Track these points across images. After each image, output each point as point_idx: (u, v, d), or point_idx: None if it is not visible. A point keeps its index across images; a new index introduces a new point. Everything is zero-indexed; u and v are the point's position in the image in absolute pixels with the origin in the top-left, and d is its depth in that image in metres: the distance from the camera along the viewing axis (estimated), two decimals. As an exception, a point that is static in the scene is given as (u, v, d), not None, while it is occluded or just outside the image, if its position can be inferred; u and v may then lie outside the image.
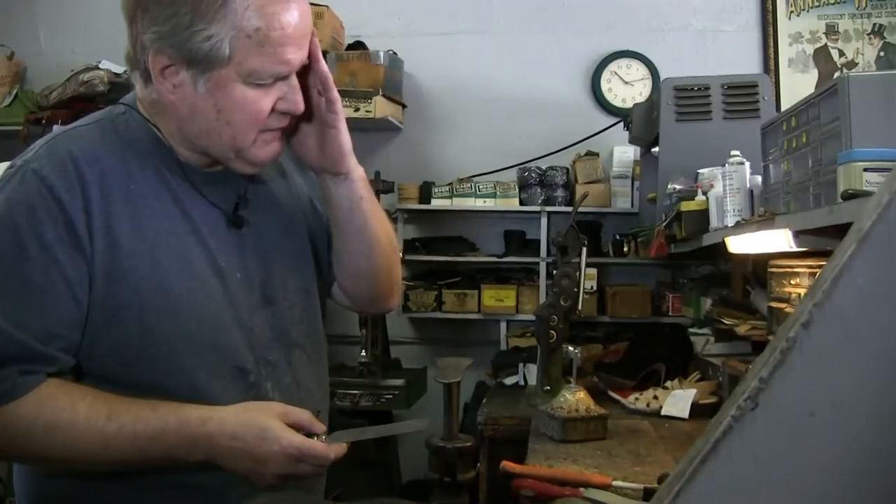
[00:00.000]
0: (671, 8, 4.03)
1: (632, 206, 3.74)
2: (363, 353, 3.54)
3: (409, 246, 3.89)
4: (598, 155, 3.85)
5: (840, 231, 1.43)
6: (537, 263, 3.80)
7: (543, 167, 3.86)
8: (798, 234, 1.65)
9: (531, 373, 3.21)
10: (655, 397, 2.57)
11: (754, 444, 0.56)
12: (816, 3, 3.89)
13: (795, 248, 1.71)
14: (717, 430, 0.57)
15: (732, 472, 0.57)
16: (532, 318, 3.09)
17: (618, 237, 3.72)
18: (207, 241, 1.30)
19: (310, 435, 1.24)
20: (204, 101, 1.22)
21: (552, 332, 2.54)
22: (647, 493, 1.60)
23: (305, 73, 1.29)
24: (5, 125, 3.96)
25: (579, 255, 2.66)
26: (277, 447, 1.20)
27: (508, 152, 4.01)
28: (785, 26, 3.91)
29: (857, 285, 0.55)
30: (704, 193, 2.42)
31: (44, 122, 3.76)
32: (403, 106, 4.08)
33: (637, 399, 2.60)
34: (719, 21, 4.00)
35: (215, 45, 1.17)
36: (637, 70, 4.03)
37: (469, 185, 3.84)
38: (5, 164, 1.28)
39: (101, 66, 3.82)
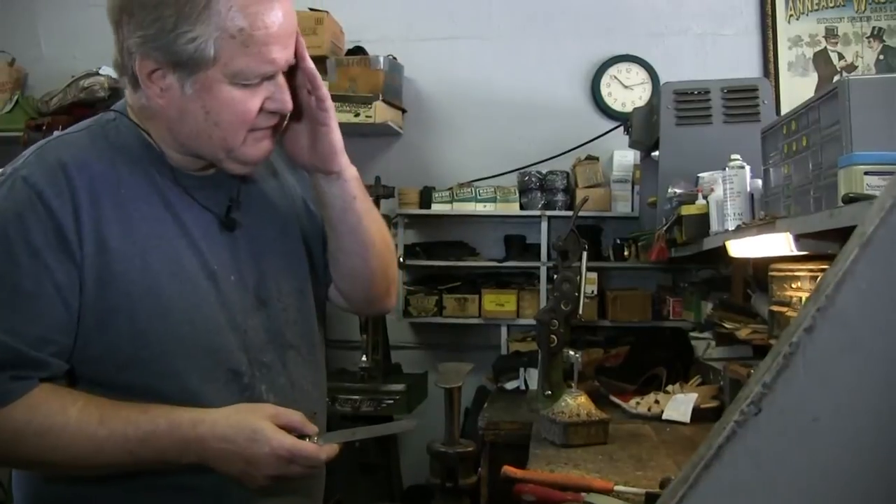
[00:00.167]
0: (671, 12, 4.03)
1: (632, 210, 3.73)
2: (364, 358, 3.54)
3: (409, 251, 3.88)
4: (598, 159, 3.84)
5: (841, 234, 1.43)
6: (538, 268, 3.80)
7: (544, 171, 3.86)
8: (799, 238, 1.65)
9: (532, 377, 3.21)
10: (656, 401, 2.57)
11: (758, 450, 0.56)
12: (816, 7, 3.89)
13: (796, 252, 1.71)
14: (721, 435, 0.57)
15: (736, 477, 0.57)
16: (533, 322, 3.09)
17: (618, 241, 3.72)
18: (199, 244, 1.31)
19: (302, 436, 1.25)
20: (192, 103, 1.23)
21: (553, 336, 2.53)
22: (649, 498, 1.59)
23: (294, 72, 1.30)
24: (6, 131, 3.97)
25: (580, 260, 2.65)
26: (268, 449, 1.20)
27: (508, 157, 4.01)
28: (784, 30, 3.92)
29: (861, 290, 0.55)
30: (705, 197, 2.42)
31: (44, 128, 3.76)
32: (403, 111, 4.09)
33: (638, 403, 2.60)
34: (719, 25, 4.00)
35: (200, 47, 1.18)
36: (637, 74, 4.03)
37: (469, 189, 3.84)
38: None
39: (101, 72, 3.83)
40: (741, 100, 2.91)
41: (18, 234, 1.20)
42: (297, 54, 1.28)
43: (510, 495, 1.73)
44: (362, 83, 3.76)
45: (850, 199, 1.34)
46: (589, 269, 2.77)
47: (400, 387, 3.45)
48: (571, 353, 2.53)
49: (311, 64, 1.31)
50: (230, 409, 1.24)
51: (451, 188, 3.86)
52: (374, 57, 3.82)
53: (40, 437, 1.19)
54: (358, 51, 3.96)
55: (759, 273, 2.49)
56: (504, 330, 3.85)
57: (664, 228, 2.70)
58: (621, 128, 3.67)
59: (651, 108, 3.26)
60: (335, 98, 3.83)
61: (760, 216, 2.05)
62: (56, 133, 1.38)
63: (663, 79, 3.73)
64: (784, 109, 3.29)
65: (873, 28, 3.86)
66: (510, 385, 3.34)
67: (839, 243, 1.53)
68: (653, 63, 4.01)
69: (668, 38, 4.02)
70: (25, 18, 4.41)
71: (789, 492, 0.56)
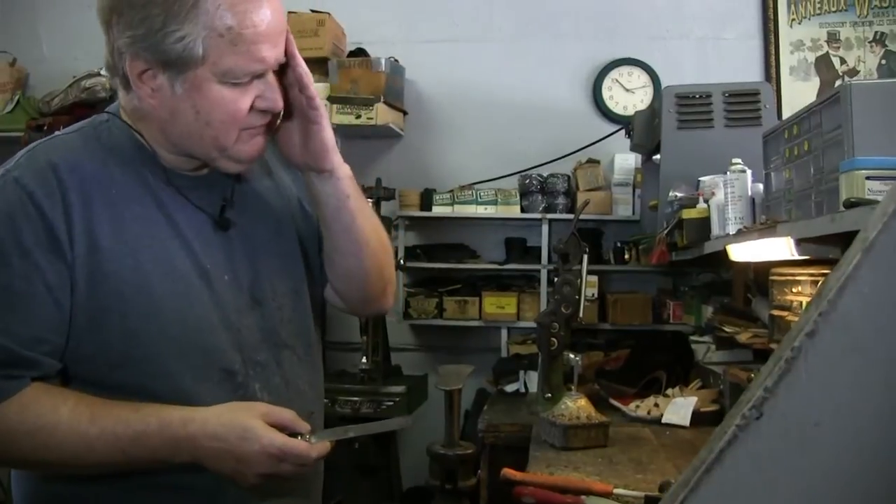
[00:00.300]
0: (672, 15, 4.03)
1: (633, 213, 3.74)
2: (364, 360, 3.54)
3: (410, 253, 3.88)
4: (599, 162, 3.85)
5: (842, 239, 1.43)
6: (538, 271, 3.80)
7: (544, 174, 3.86)
8: (800, 242, 1.65)
9: (532, 380, 3.21)
10: (656, 405, 2.56)
11: (759, 453, 0.56)
12: (818, 11, 3.89)
13: (797, 256, 1.71)
14: (722, 439, 0.57)
15: (737, 481, 0.57)
16: (533, 325, 3.09)
17: (619, 245, 3.72)
18: (192, 244, 1.31)
19: (294, 434, 1.25)
20: (182, 102, 1.23)
21: (553, 339, 2.53)
22: (649, 501, 1.59)
23: (285, 71, 1.30)
24: (7, 131, 3.97)
25: (580, 263, 2.65)
26: (258, 447, 1.20)
27: (509, 159, 4.01)
28: (786, 34, 3.92)
29: (863, 295, 0.55)
30: (706, 201, 2.42)
31: (45, 128, 3.77)
32: (405, 113, 4.09)
33: (638, 407, 2.60)
34: (720, 29, 4.00)
35: (188, 46, 1.18)
36: (638, 77, 4.03)
37: (470, 192, 3.85)
38: None
39: (102, 72, 3.83)
40: (743, 104, 2.91)
41: (9, 234, 1.20)
42: (287, 53, 1.28)
43: (510, 497, 1.73)
44: (364, 85, 3.76)
45: (851, 204, 1.34)
46: (589, 272, 2.77)
47: (400, 389, 3.46)
48: (571, 355, 2.53)
49: (301, 62, 1.30)
50: (221, 408, 1.24)
51: (451, 190, 3.87)
52: (375, 59, 3.83)
53: (32, 436, 1.19)
54: (359, 53, 3.97)
55: (760, 277, 2.48)
56: (504, 332, 3.86)
57: (665, 232, 2.70)
58: (622, 131, 3.68)
59: (652, 112, 3.26)
60: (336, 100, 3.87)
61: (761, 220, 2.05)
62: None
63: (665, 82, 3.73)
64: (786, 114, 3.30)
65: (875, 33, 3.86)
66: (510, 387, 3.33)
67: (840, 248, 1.53)
68: (654, 66, 4.01)
69: (670, 42, 4.02)
70: (27, 19, 4.41)
71: (790, 495, 0.56)
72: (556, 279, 2.73)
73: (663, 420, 2.46)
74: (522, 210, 3.82)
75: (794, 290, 2.01)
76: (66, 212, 1.22)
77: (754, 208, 2.18)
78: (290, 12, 3.90)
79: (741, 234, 2.08)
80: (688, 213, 2.49)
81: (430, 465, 2.27)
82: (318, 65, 3.86)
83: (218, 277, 1.33)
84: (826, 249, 1.61)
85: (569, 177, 3.86)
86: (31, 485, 1.34)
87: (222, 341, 1.31)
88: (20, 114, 4.10)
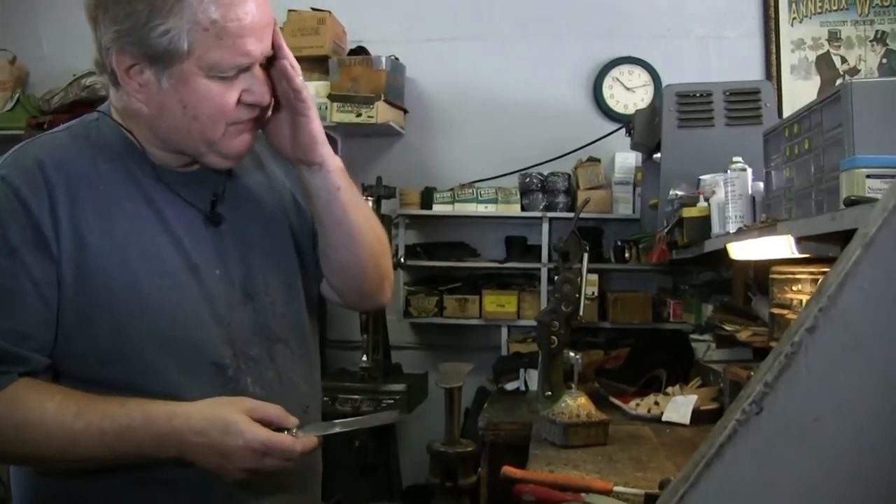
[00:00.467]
0: (673, 14, 4.03)
1: (633, 212, 3.74)
2: (364, 359, 3.54)
3: (410, 251, 3.89)
4: (599, 161, 3.85)
5: (842, 237, 1.43)
6: (538, 269, 3.81)
7: (545, 173, 3.86)
8: (800, 241, 1.65)
9: (532, 378, 3.21)
10: (656, 403, 2.57)
11: (759, 449, 0.56)
12: (819, 10, 3.89)
13: (797, 255, 1.71)
14: (722, 433, 0.57)
15: (737, 476, 0.57)
16: (533, 323, 3.09)
17: (619, 243, 3.72)
18: (182, 239, 1.31)
19: (281, 430, 1.24)
20: (169, 97, 1.24)
21: (553, 337, 2.53)
22: (649, 499, 1.60)
23: (273, 64, 1.30)
24: (7, 130, 3.97)
25: (581, 261, 2.65)
26: (242, 441, 1.20)
27: (510, 158, 4.01)
28: (787, 33, 3.92)
29: (863, 290, 0.55)
30: (706, 200, 2.42)
31: (45, 126, 3.76)
32: (405, 111, 4.09)
33: (638, 405, 2.60)
34: (721, 27, 4.00)
35: (173, 40, 1.18)
36: (639, 76, 4.03)
37: (470, 190, 3.85)
38: None
39: (102, 70, 3.82)
40: (743, 102, 2.91)
41: None
42: (274, 45, 1.28)
43: (510, 495, 1.73)
44: (364, 83, 3.76)
45: (851, 202, 1.34)
46: (590, 270, 2.77)
47: (400, 387, 3.46)
48: (572, 354, 2.54)
49: (287, 54, 1.30)
50: (206, 403, 1.24)
51: (452, 189, 3.87)
52: (376, 57, 3.83)
53: (19, 430, 1.20)
54: (360, 51, 3.97)
55: (760, 276, 2.49)
56: (504, 331, 3.86)
57: (665, 230, 2.71)
58: (623, 130, 3.67)
59: (653, 111, 3.26)
60: (337, 98, 3.87)
61: (762, 219, 2.05)
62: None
63: (665, 81, 3.73)
64: (786, 112, 3.29)
65: (876, 31, 3.86)
66: (510, 386, 3.34)
67: (840, 246, 1.53)
68: (655, 65, 4.01)
69: (671, 41, 4.02)
70: (27, 17, 4.41)
71: (790, 491, 0.56)
72: (556, 277, 2.73)
73: (663, 418, 2.46)
74: (523, 208, 3.82)
75: (794, 288, 2.01)
76: (52, 209, 1.23)
77: (755, 207, 2.18)
78: (290, 10, 3.91)
79: (741, 233, 2.08)
80: (688, 212, 2.49)
81: (430, 463, 2.27)
82: (319, 63, 3.86)
83: (209, 272, 1.33)
84: (826, 248, 1.61)
85: (569, 175, 3.86)
86: (28, 480, 1.35)
87: (212, 336, 1.31)
88: (20, 112, 4.11)
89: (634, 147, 3.53)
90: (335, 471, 3.13)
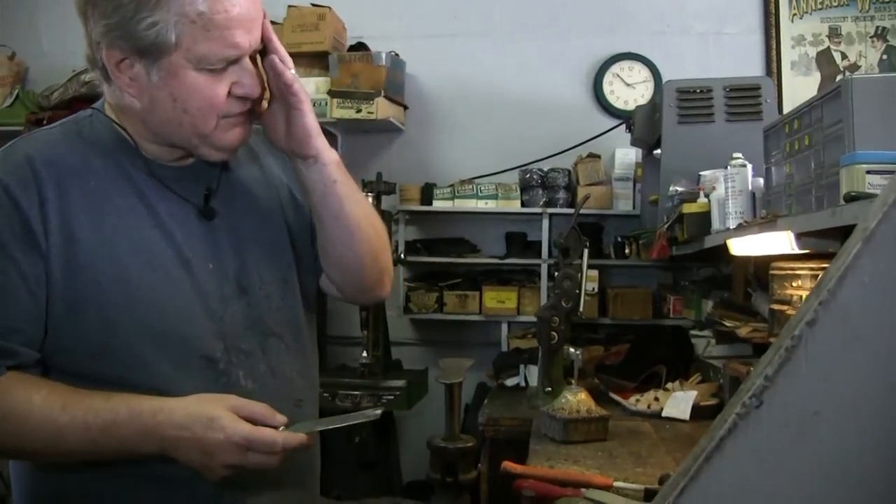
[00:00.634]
0: (673, 10, 4.02)
1: (633, 207, 3.74)
2: (364, 355, 3.54)
3: (410, 247, 3.89)
4: (599, 157, 3.84)
5: (842, 233, 1.44)
6: (539, 265, 3.80)
7: (545, 169, 3.85)
8: (800, 237, 1.65)
9: (532, 374, 3.21)
10: (656, 399, 2.57)
11: (759, 442, 0.56)
12: (819, 6, 3.89)
13: (797, 251, 1.71)
14: (722, 427, 0.57)
15: (737, 469, 0.57)
16: (533, 319, 3.09)
17: (619, 239, 3.72)
18: (174, 233, 1.32)
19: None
20: (159, 91, 1.24)
21: (553, 333, 2.54)
22: (648, 494, 1.60)
23: (265, 56, 1.30)
24: (6, 125, 3.96)
25: (581, 257, 2.66)
26: (223, 436, 1.19)
27: (510, 154, 4.01)
28: (787, 29, 3.91)
29: (863, 284, 0.56)
30: (706, 196, 2.42)
31: (45, 122, 3.75)
32: (405, 107, 4.08)
33: (638, 401, 2.60)
34: (721, 23, 4.00)
35: (161, 32, 1.19)
36: (639, 72, 4.03)
37: (470, 186, 3.84)
38: None
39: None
40: (743, 98, 2.91)
41: None
42: (263, 38, 1.28)
43: (510, 491, 1.73)
44: (364, 79, 3.76)
45: (851, 198, 1.34)
46: (590, 266, 2.78)
47: (400, 383, 3.46)
48: (572, 350, 2.54)
49: (277, 47, 1.30)
50: (192, 399, 1.24)
51: (452, 185, 3.86)
52: (376, 53, 3.82)
53: (5, 422, 1.21)
54: (360, 47, 3.96)
55: (760, 271, 2.49)
56: (504, 327, 3.86)
57: (665, 226, 2.71)
58: (623, 126, 3.67)
59: (653, 106, 3.26)
60: (337, 94, 3.87)
61: (762, 215, 2.05)
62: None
63: (666, 77, 3.72)
64: (786, 108, 3.30)
65: (877, 27, 3.86)
66: (510, 382, 3.34)
67: (840, 242, 1.53)
68: (655, 61, 4.00)
69: (671, 37, 4.02)
70: (26, 13, 4.40)
71: (790, 484, 0.57)
72: (556, 273, 2.73)
73: (663, 414, 2.47)
74: (523, 204, 3.82)
75: (794, 284, 2.01)
76: (41, 204, 1.24)
77: (755, 203, 2.19)
78: (290, 6, 3.90)
79: (741, 229, 2.08)
80: (688, 208, 2.49)
81: (430, 459, 2.28)
82: (319, 59, 3.86)
83: (201, 266, 1.33)
84: (826, 243, 1.62)
85: (569, 171, 3.86)
86: (27, 475, 1.35)
87: (204, 330, 1.31)
88: (19, 108, 4.10)
89: (634, 143, 3.53)
90: (335, 466, 3.13)
